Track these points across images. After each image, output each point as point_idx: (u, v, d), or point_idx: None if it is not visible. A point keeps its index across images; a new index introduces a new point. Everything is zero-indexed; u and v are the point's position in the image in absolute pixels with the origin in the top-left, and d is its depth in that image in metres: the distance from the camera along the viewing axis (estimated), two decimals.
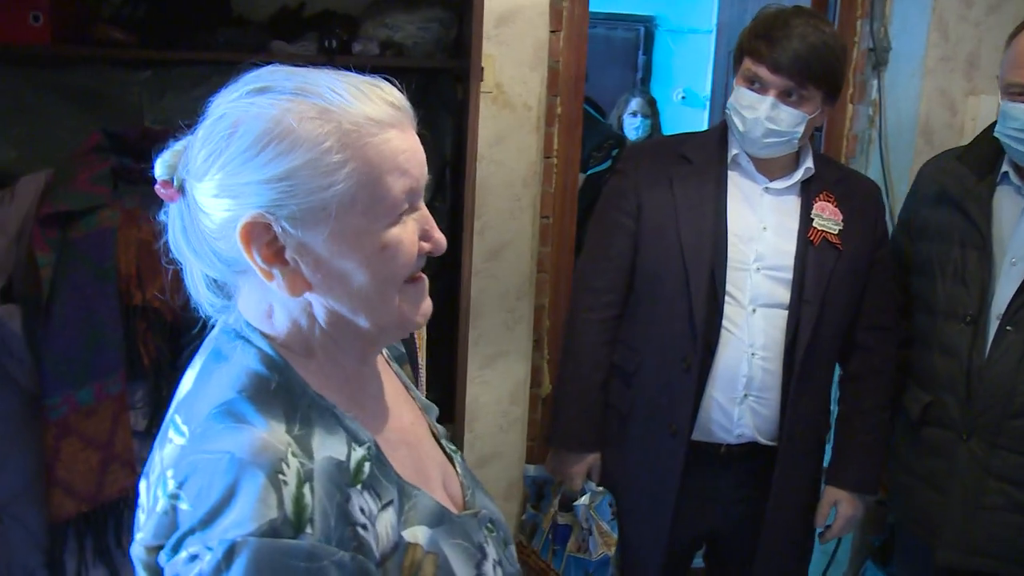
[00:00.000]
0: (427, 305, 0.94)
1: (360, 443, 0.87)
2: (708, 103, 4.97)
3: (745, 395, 1.90)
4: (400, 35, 2.11)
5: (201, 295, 0.92)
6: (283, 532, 0.75)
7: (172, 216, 0.90)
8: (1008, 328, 1.81)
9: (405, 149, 0.86)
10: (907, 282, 2.08)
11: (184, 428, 0.84)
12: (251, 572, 0.73)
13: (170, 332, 1.81)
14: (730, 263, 1.88)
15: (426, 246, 0.91)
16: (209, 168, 0.83)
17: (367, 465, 0.86)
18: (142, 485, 0.88)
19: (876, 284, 2.01)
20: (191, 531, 0.77)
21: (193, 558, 0.76)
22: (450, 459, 1.08)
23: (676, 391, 1.90)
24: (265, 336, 0.88)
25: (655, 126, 4.33)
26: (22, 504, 1.78)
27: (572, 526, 2.11)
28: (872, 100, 2.85)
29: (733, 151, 1.92)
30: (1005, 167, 1.89)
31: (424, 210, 0.91)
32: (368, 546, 0.82)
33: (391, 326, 0.91)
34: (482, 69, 2.00)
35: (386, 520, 0.86)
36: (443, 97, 2.23)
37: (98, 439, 1.72)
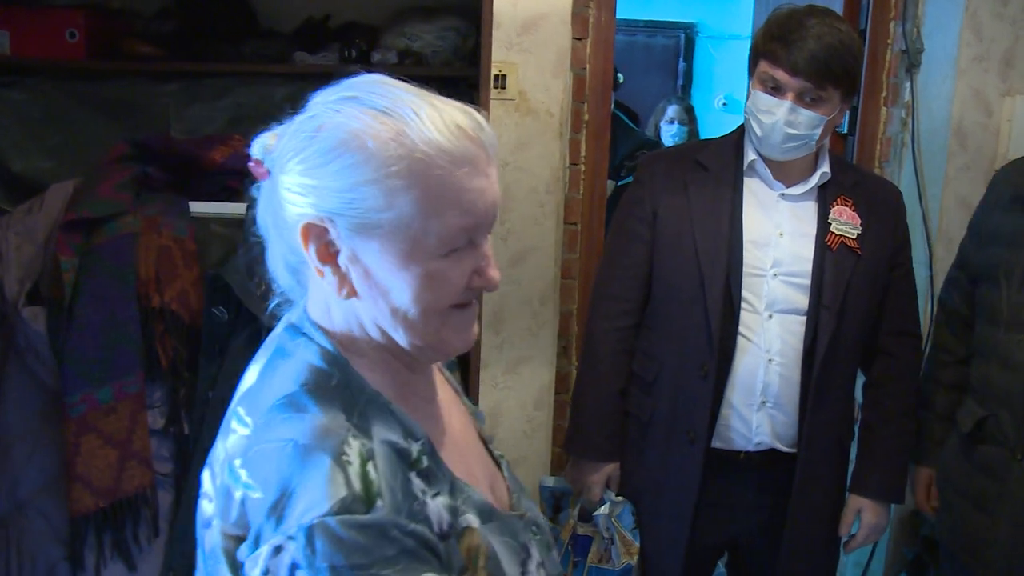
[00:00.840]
0: (472, 333, 0.95)
1: (416, 439, 0.90)
2: None
3: (763, 402, 1.88)
4: (419, 44, 2.14)
5: (279, 275, 0.96)
6: (356, 508, 0.78)
7: (261, 194, 0.94)
8: None
9: (472, 188, 0.87)
10: (971, 292, 2.01)
11: (248, 419, 0.88)
12: (335, 550, 0.76)
13: (187, 334, 1.85)
14: (746, 269, 1.87)
15: (477, 280, 0.91)
16: (290, 161, 0.87)
17: (424, 458, 0.89)
18: (205, 474, 0.91)
19: (898, 288, 1.97)
20: (267, 518, 0.80)
21: (278, 550, 0.78)
22: (497, 464, 1.10)
23: (694, 398, 1.89)
24: (326, 333, 0.92)
25: (692, 133, 4.30)
26: (45, 498, 1.85)
27: (592, 537, 2.10)
28: (905, 102, 2.81)
29: (750, 157, 1.90)
30: None
31: (485, 247, 0.92)
32: (430, 520, 0.85)
33: (429, 348, 0.92)
34: (501, 76, 2.02)
35: (440, 503, 0.88)
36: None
37: (116, 437, 1.77)
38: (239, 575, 0.83)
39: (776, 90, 1.78)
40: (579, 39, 2.61)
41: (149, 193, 1.89)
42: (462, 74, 2.12)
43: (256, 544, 0.80)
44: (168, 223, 1.82)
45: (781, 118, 1.77)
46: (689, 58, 5.71)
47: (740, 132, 1.96)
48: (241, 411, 0.89)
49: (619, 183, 3.94)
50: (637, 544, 2.02)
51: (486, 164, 0.89)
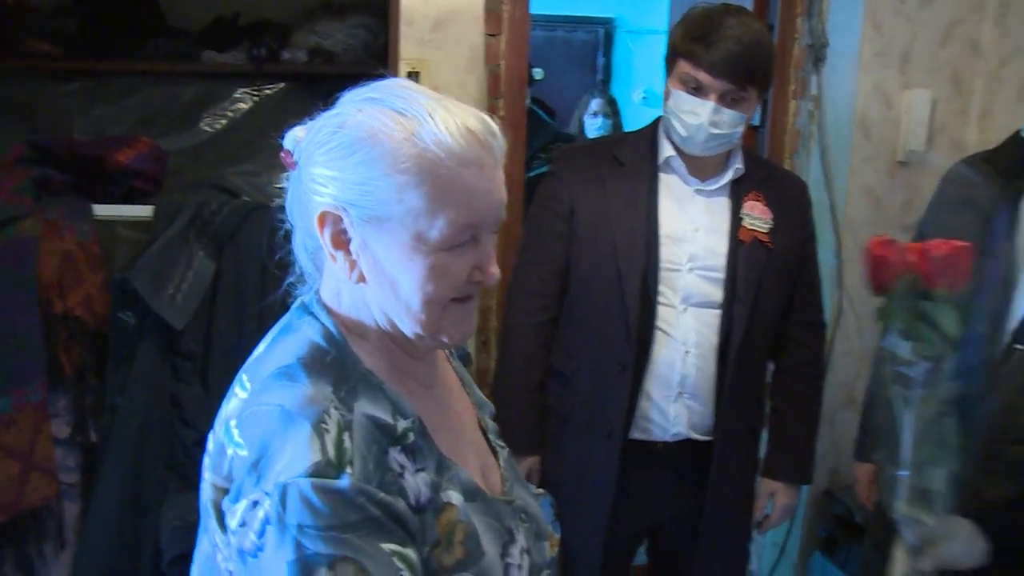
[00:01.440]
0: (468, 326, 1.02)
1: (405, 416, 0.96)
2: None
3: (680, 393, 1.92)
4: (329, 42, 2.13)
5: (300, 258, 1.04)
6: (327, 473, 0.85)
7: (291, 183, 1.02)
8: (1017, 347, 1.67)
9: (477, 188, 0.94)
10: None
11: (248, 384, 0.96)
12: (303, 507, 0.83)
13: (93, 340, 1.81)
14: (663, 264, 1.89)
15: (477, 275, 0.98)
16: (314, 154, 0.95)
17: (411, 434, 0.96)
18: (210, 437, 0.98)
19: (805, 280, 2.04)
20: (247, 474, 0.88)
21: (255, 504, 0.86)
22: (495, 453, 1.17)
23: (612, 392, 1.91)
24: (332, 314, 1.00)
25: (616, 126, 4.34)
26: None
27: None
28: (812, 96, 2.88)
29: (665, 153, 1.93)
30: None
31: (487, 244, 0.99)
32: (406, 492, 0.92)
33: (429, 337, 0.98)
34: (414, 73, 2.03)
35: (423, 480, 0.94)
36: None
37: (18, 448, 1.72)
38: (223, 523, 0.91)
39: (698, 90, 1.80)
40: (493, 35, 2.60)
41: (50, 196, 1.84)
42: (373, 72, 2.10)
43: (237, 497, 0.88)
44: (70, 226, 1.78)
45: (706, 119, 1.80)
46: (608, 53, 5.78)
47: (655, 127, 1.98)
48: (244, 378, 0.97)
49: (530, 174, 3.97)
50: (558, 536, 2.04)
51: (492, 167, 0.96)
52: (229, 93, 2.14)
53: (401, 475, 0.92)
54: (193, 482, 1.79)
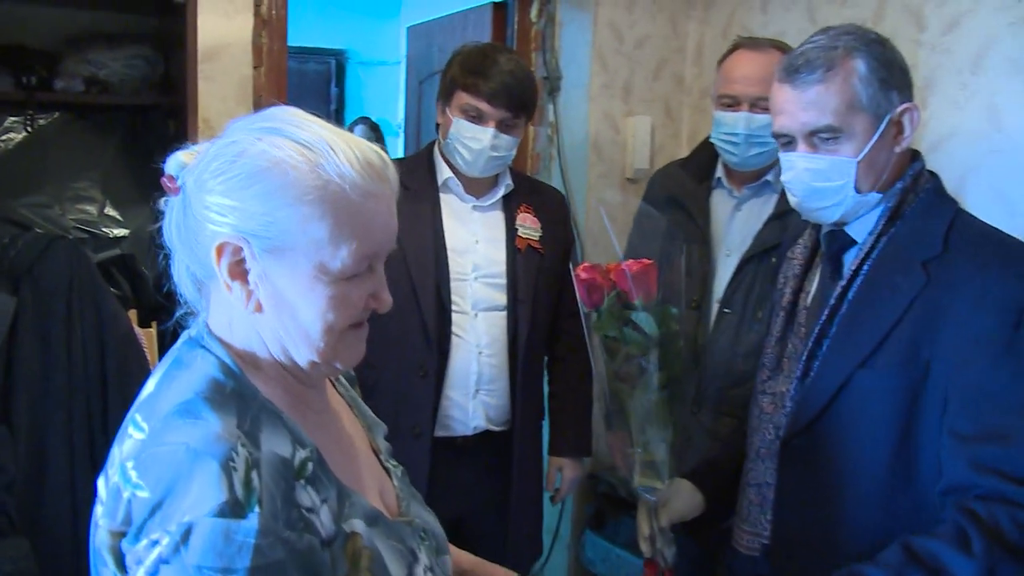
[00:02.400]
0: (360, 352, 1.02)
1: (303, 446, 0.95)
2: (402, 130, 5.23)
3: (477, 390, 2.10)
4: (105, 72, 2.10)
5: (183, 285, 1.00)
6: (233, 512, 0.82)
7: (170, 208, 0.98)
8: (725, 311, 2.10)
9: (377, 219, 0.96)
10: None
11: (144, 425, 0.90)
12: (206, 548, 0.81)
13: None
14: (452, 275, 2.07)
15: (372, 303, 1.00)
16: (210, 181, 0.93)
17: (310, 464, 0.94)
18: (100, 481, 0.92)
19: (569, 278, 2.31)
20: (151, 515, 0.84)
21: (154, 544, 0.82)
22: (389, 473, 1.17)
23: (416, 396, 2.05)
24: (224, 345, 0.97)
25: (383, 147, 4.49)
26: None
27: None
28: (550, 122, 3.21)
29: (443, 176, 2.11)
30: (718, 173, 2.20)
31: (380, 272, 1.00)
32: (315, 527, 0.91)
33: (324, 364, 0.98)
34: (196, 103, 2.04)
35: (327, 511, 0.93)
36: (156, 134, 2.23)
37: None
38: (122, 567, 0.86)
39: (478, 119, 2.01)
40: (255, 67, 2.63)
41: None
42: (156, 102, 2.11)
43: (137, 538, 0.84)
44: None
45: (487, 143, 2.01)
46: (341, 83, 5.87)
47: (429, 152, 2.17)
48: (138, 417, 0.92)
49: None
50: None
51: (390, 199, 0.98)
52: None
53: (312, 510, 0.91)
54: (4, 529, 1.71)
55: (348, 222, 0.93)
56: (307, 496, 0.92)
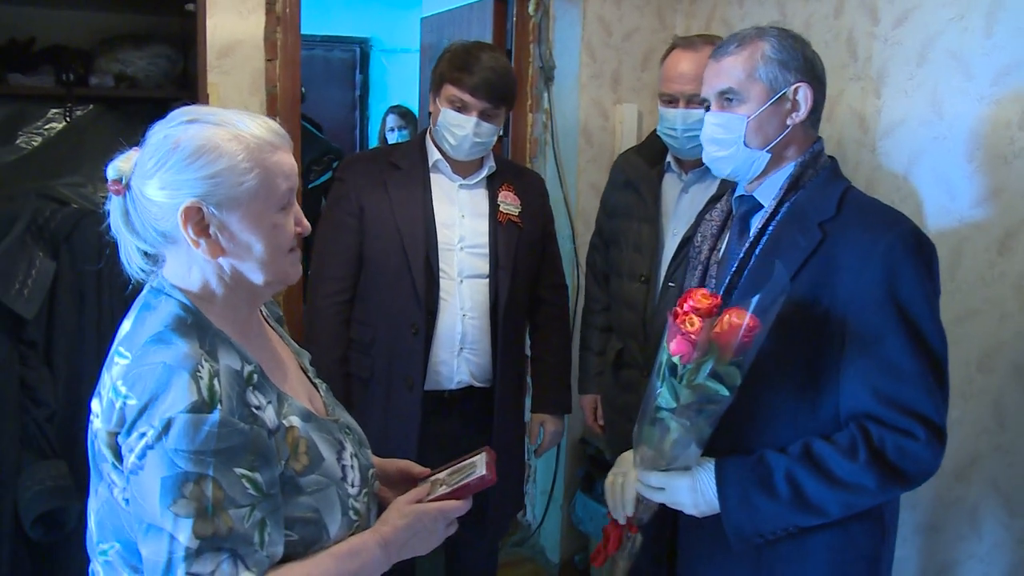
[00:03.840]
0: (297, 270, 1.31)
1: (248, 362, 1.23)
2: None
3: (461, 348, 2.34)
4: (132, 69, 2.36)
5: (134, 263, 1.25)
6: (202, 408, 1.10)
7: (114, 208, 1.23)
8: (670, 284, 2.31)
9: (287, 162, 1.24)
10: (606, 253, 2.59)
11: (126, 353, 1.17)
12: (181, 435, 1.08)
13: None
14: (440, 245, 2.32)
15: (298, 229, 1.28)
16: (156, 170, 1.18)
17: (255, 376, 1.22)
18: (94, 401, 1.20)
19: (548, 252, 2.56)
20: (139, 416, 1.10)
21: (141, 436, 1.10)
22: (316, 387, 1.46)
23: (408, 352, 2.30)
24: (183, 291, 1.23)
25: (414, 132, 4.56)
26: None
27: None
28: (545, 109, 3.44)
29: (433, 157, 2.36)
30: (669, 158, 2.42)
31: (296, 206, 1.29)
32: (262, 421, 1.18)
33: (276, 281, 1.27)
34: (207, 96, 2.30)
35: (270, 411, 1.21)
36: None
37: None
38: (118, 456, 1.15)
39: (462, 108, 2.25)
40: (270, 60, 2.88)
41: None
42: (175, 96, 2.37)
43: (129, 432, 1.12)
44: None
45: (470, 131, 2.25)
46: (365, 70, 6.09)
47: (422, 138, 2.41)
48: (121, 349, 1.19)
49: (309, 185, 4.26)
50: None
51: (288, 148, 1.27)
52: (42, 113, 2.32)
53: (260, 408, 1.18)
54: (47, 453, 2.01)
55: (270, 167, 1.22)
56: (255, 398, 1.20)
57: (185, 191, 1.18)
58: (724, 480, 1.55)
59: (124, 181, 1.21)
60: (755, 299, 1.44)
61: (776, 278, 1.44)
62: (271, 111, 2.92)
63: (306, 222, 1.31)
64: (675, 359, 1.48)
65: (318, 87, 5.46)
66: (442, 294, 2.32)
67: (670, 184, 2.43)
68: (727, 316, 1.45)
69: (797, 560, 1.60)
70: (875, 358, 1.49)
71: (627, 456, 1.75)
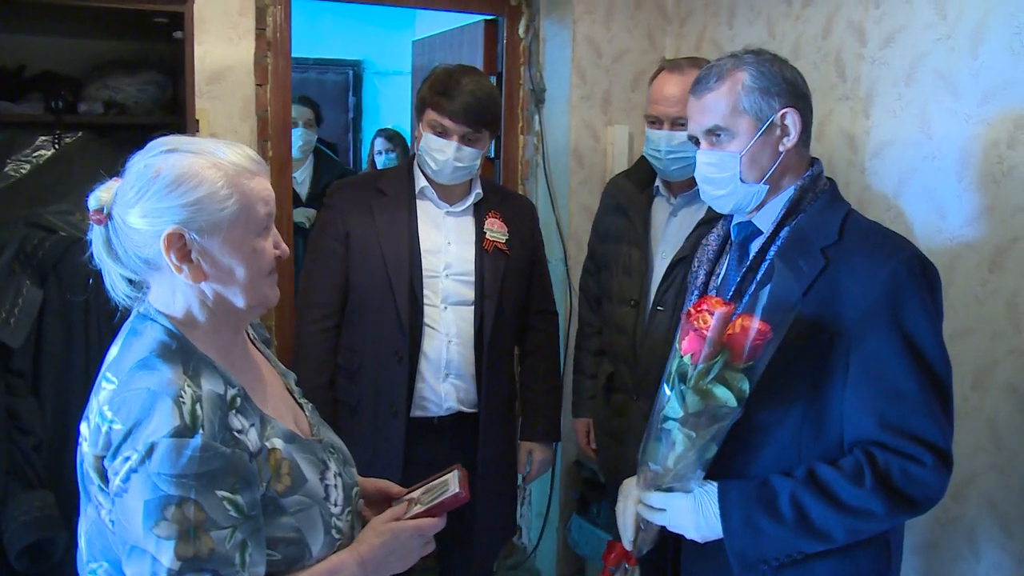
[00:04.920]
0: (275, 293, 1.34)
1: (232, 386, 1.25)
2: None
3: (447, 375, 2.33)
4: (121, 96, 2.36)
5: (119, 290, 1.28)
6: (184, 433, 1.12)
7: (96, 237, 1.25)
8: (659, 308, 2.30)
9: (264, 188, 1.27)
10: (598, 277, 2.58)
11: (113, 378, 1.20)
12: (163, 460, 1.11)
13: None
14: (425, 272, 2.30)
15: (276, 252, 1.31)
16: (138, 200, 1.20)
17: (238, 399, 1.24)
18: (83, 425, 1.22)
19: (537, 278, 2.54)
20: (123, 440, 1.13)
21: (126, 459, 1.13)
22: (302, 408, 1.48)
23: (393, 379, 2.28)
24: (168, 317, 1.26)
25: (402, 155, 4.57)
26: None
27: None
28: (536, 131, 3.45)
29: (420, 184, 2.35)
30: (658, 182, 2.42)
31: (275, 229, 1.32)
32: (244, 445, 1.21)
33: (258, 304, 1.30)
34: (195, 121, 2.30)
35: (253, 433, 1.24)
36: None
37: None
38: (104, 479, 1.17)
39: (443, 133, 2.24)
40: (260, 85, 2.90)
41: None
42: (165, 122, 2.37)
43: (114, 456, 1.14)
44: None
45: (451, 156, 2.24)
46: (358, 92, 6.10)
47: (409, 163, 2.41)
48: (108, 374, 1.22)
49: None
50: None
51: (265, 174, 1.30)
52: (30, 141, 2.31)
53: (242, 431, 1.21)
54: (33, 483, 1.99)
55: (249, 193, 1.25)
56: (237, 421, 1.22)
57: (166, 218, 1.20)
58: (727, 502, 1.54)
59: (106, 211, 1.24)
60: (763, 294, 1.44)
61: (778, 277, 1.44)
62: (262, 136, 2.93)
63: (284, 245, 1.33)
64: (686, 359, 1.48)
65: None
66: (427, 320, 2.31)
67: (659, 208, 2.44)
68: (739, 320, 1.46)
69: None
70: (880, 385, 1.48)
71: (630, 482, 1.73)
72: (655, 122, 2.31)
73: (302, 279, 2.41)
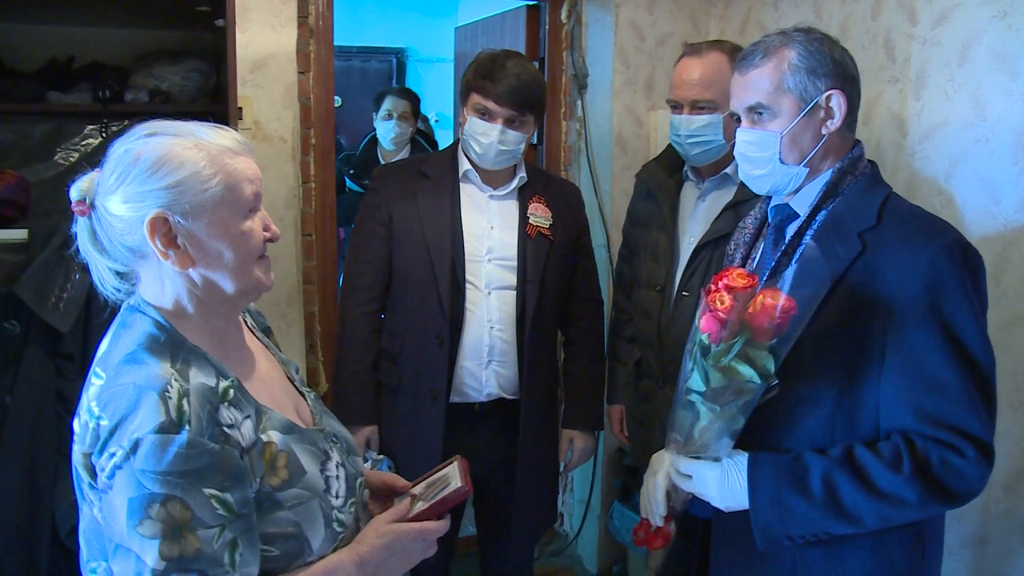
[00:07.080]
0: (268, 278, 1.29)
1: (225, 377, 1.22)
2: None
3: (489, 360, 2.33)
4: (166, 84, 2.39)
5: (107, 284, 1.25)
6: (169, 429, 1.09)
7: (81, 229, 1.22)
8: (684, 293, 2.29)
9: (250, 168, 1.23)
10: (631, 264, 2.57)
11: (102, 373, 1.18)
12: (148, 456, 1.08)
13: None
14: (467, 256, 2.30)
15: (267, 234, 1.27)
16: (119, 185, 1.17)
17: (231, 391, 1.21)
18: (76, 422, 1.19)
19: (582, 265, 2.52)
20: (110, 436, 1.10)
21: (111, 456, 1.10)
22: (304, 396, 1.45)
23: (433, 363, 2.29)
24: (157, 308, 1.22)
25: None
26: None
27: None
28: (579, 117, 3.42)
29: (464, 167, 2.35)
30: (687, 167, 2.40)
31: (264, 211, 1.28)
32: (234, 440, 1.17)
33: (249, 289, 1.26)
34: (239, 109, 2.32)
35: (247, 426, 1.20)
36: None
37: None
38: (93, 476, 1.14)
39: (487, 116, 2.24)
40: (303, 72, 2.91)
41: None
42: (208, 109, 2.40)
43: (101, 452, 1.12)
44: None
45: (495, 139, 2.24)
46: (401, 80, 6.13)
47: (454, 147, 2.40)
48: (98, 369, 1.20)
49: None
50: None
51: (250, 154, 1.26)
52: (79, 130, 2.36)
53: (234, 425, 1.17)
54: None
55: (233, 173, 1.21)
56: (229, 415, 1.19)
57: (149, 202, 1.17)
58: (757, 475, 1.51)
59: (88, 201, 1.21)
60: (788, 274, 1.40)
61: (807, 254, 1.41)
62: (305, 123, 2.95)
63: (275, 228, 1.30)
64: (704, 337, 1.45)
65: (355, 97, 5.51)
66: (468, 305, 2.31)
67: (688, 192, 2.42)
68: (760, 297, 1.41)
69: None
70: (918, 376, 1.44)
71: (659, 456, 1.72)
72: (676, 107, 2.29)
73: (346, 262, 2.43)
